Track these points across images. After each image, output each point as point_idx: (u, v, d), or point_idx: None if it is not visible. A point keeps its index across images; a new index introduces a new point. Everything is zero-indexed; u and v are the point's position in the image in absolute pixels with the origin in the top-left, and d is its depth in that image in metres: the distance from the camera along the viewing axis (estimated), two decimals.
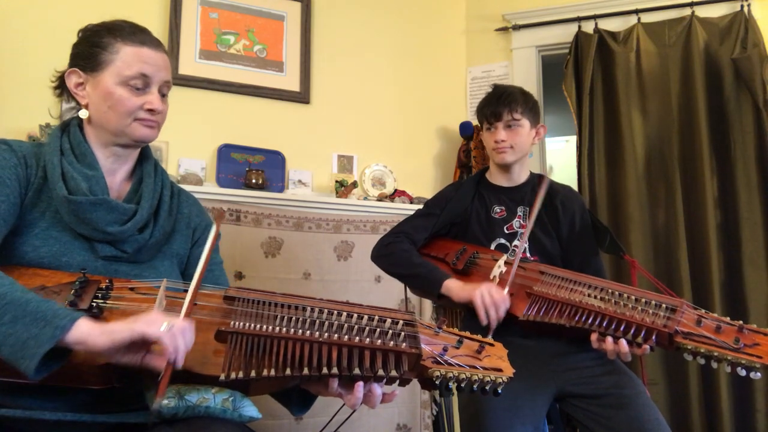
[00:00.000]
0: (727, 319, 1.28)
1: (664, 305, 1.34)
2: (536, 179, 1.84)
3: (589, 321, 1.37)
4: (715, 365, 1.23)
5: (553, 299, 1.44)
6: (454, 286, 1.57)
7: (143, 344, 0.87)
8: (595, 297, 1.40)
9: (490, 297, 1.47)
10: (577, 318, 1.38)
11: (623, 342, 1.33)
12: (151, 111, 1.13)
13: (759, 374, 1.17)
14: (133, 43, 1.12)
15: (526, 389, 1.50)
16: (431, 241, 1.82)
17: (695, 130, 2.67)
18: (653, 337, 1.29)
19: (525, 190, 1.81)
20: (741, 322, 1.26)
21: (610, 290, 1.41)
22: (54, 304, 0.88)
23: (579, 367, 1.57)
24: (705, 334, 1.25)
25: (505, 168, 1.80)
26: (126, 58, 1.11)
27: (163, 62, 1.16)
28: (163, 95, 1.18)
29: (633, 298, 1.38)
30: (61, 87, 1.21)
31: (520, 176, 1.82)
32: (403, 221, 1.86)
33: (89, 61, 1.12)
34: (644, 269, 1.90)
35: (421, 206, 1.92)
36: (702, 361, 1.25)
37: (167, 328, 0.85)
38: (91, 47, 1.13)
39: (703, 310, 1.32)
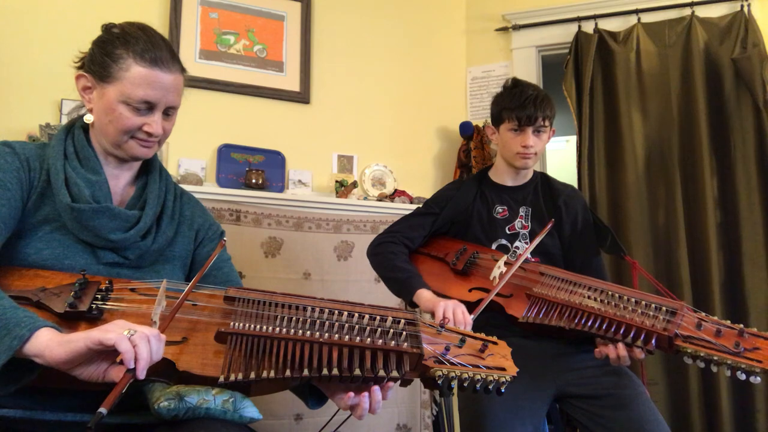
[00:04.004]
0: (728, 322, 1.27)
1: (664, 308, 1.33)
2: (539, 177, 1.83)
3: (589, 323, 1.36)
4: (714, 369, 1.22)
5: (552, 301, 1.43)
6: (425, 296, 1.54)
7: (104, 355, 0.83)
8: (595, 299, 1.40)
9: (453, 315, 1.42)
10: (576, 320, 1.37)
11: (621, 346, 1.33)
12: (148, 134, 1.11)
13: (759, 378, 1.16)
14: (144, 63, 1.06)
15: (526, 390, 1.50)
16: (431, 239, 1.81)
17: (695, 130, 2.67)
18: (653, 341, 1.29)
19: (528, 190, 1.80)
20: (742, 325, 1.25)
21: (610, 292, 1.40)
22: (22, 312, 0.85)
23: (579, 367, 1.57)
24: (705, 337, 1.24)
25: (518, 170, 1.79)
26: (133, 80, 1.06)
27: (173, 85, 1.10)
28: (168, 115, 1.14)
29: (633, 300, 1.37)
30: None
31: (526, 176, 1.82)
32: (402, 219, 1.84)
33: (99, 69, 1.09)
34: (645, 270, 1.90)
35: (421, 205, 1.91)
36: (702, 365, 1.24)
37: (128, 334, 0.80)
38: (103, 56, 1.08)
39: (704, 314, 1.31)
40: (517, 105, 1.69)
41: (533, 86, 1.77)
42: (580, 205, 1.79)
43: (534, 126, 1.69)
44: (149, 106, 1.09)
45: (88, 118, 1.13)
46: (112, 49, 1.08)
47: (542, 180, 1.83)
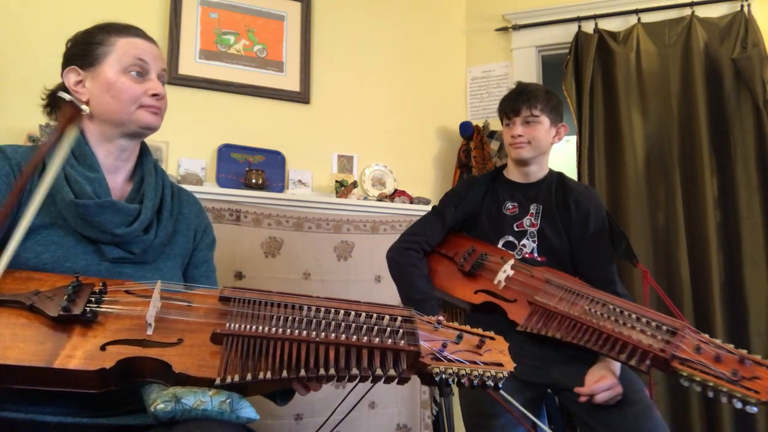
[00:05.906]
0: (731, 347, 1.22)
1: (664, 327, 1.28)
2: (555, 177, 1.80)
3: (586, 337, 1.34)
4: (711, 395, 1.17)
5: (552, 311, 1.42)
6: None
7: None
8: (595, 312, 1.37)
9: None
10: (574, 333, 1.36)
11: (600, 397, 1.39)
12: (155, 96, 1.14)
13: (755, 409, 1.11)
14: (127, 34, 1.16)
15: (523, 389, 1.50)
16: (446, 236, 1.80)
17: (695, 130, 2.67)
18: (647, 360, 1.25)
19: (541, 188, 1.77)
20: (744, 351, 1.20)
21: (611, 306, 1.37)
22: None
23: (576, 362, 1.56)
24: (703, 362, 1.19)
25: (522, 164, 1.77)
26: (122, 49, 1.14)
27: (158, 52, 1.20)
28: (162, 83, 1.19)
29: (634, 316, 1.33)
30: (51, 105, 1.21)
31: (537, 174, 1.79)
32: (420, 220, 1.83)
33: (86, 57, 1.13)
34: (654, 281, 1.84)
35: (426, 206, 1.90)
36: (698, 389, 1.19)
37: None
38: (87, 45, 1.14)
39: (706, 336, 1.26)
40: (505, 101, 1.78)
41: (528, 83, 1.79)
42: (593, 205, 1.72)
43: (520, 116, 1.72)
44: (145, 69, 1.15)
45: (85, 109, 1.13)
46: (92, 37, 1.15)
47: (558, 179, 1.80)
